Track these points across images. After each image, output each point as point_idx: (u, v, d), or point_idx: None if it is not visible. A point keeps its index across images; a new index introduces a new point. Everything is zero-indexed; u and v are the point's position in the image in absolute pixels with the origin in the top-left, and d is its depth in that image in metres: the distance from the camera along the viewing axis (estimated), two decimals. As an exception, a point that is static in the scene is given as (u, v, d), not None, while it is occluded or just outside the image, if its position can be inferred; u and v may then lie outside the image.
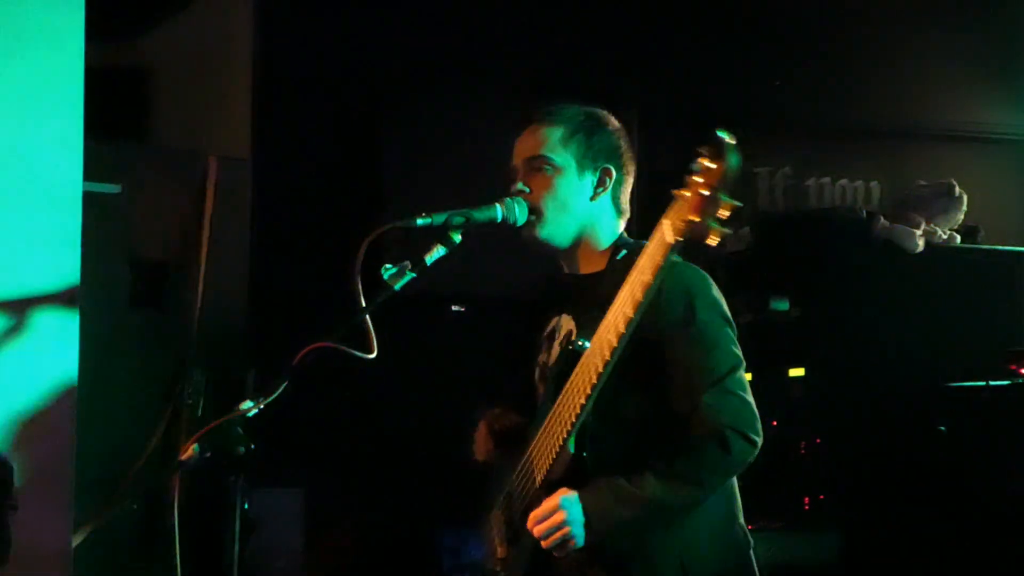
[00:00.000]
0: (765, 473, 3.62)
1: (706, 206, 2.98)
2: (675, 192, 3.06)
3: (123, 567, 5.68)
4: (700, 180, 2.98)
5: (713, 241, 3.02)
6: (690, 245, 3.09)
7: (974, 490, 6.05)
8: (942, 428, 6.15)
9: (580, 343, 3.44)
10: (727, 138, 2.97)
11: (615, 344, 3.26)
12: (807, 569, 6.04)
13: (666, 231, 3.10)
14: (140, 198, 5.99)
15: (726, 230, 3.01)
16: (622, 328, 3.24)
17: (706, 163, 2.97)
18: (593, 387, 3.32)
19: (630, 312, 3.22)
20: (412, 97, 6.93)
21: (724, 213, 2.99)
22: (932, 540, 6.11)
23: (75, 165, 4.30)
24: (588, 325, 3.51)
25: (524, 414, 3.78)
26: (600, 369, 3.29)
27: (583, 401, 3.35)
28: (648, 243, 3.18)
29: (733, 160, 2.97)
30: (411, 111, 6.92)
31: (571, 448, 3.42)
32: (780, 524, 6.19)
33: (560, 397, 3.44)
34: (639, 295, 3.20)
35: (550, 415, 3.49)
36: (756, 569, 3.62)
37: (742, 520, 3.62)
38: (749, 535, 3.63)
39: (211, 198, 6.17)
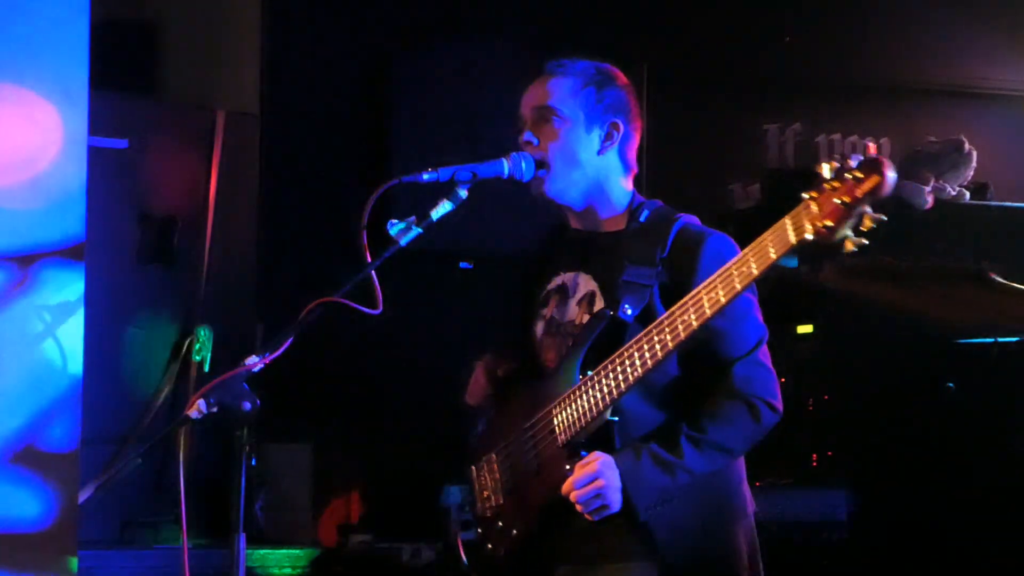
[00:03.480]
0: (774, 430, 3.64)
1: (846, 214, 2.93)
2: (805, 195, 3.01)
3: (130, 522, 5.70)
4: (841, 187, 2.93)
5: (848, 248, 2.96)
6: (815, 247, 3.03)
7: (982, 446, 6.05)
8: (950, 384, 6.15)
9: (626, 310, 3.45)
10: (880, 154, 2.94)
11: (694, 327, 3.24)
12: (815, 525, 6.05)
13: (789, 230, 3.04)
14: (149, 153, 6.00)
15: (864, 241, 2.95)
16: (708, 312, 3.21)
17: (856, 174, 2.91)
18: (657, 362, 3.31)
19: (723, 299, 3.19)
20: (421, 52, 6.92)
21: (867, 224, 2.93)
22: (939, 496, 6.12)
23: (80, 119, 4.29)
24: (614, 288, 3.52)
25: (518, 363, 3.78)
26: (669, 346, 3.27)
27: (639, 374, 3.34)
28: (764, 237, 3.12)
29: (891, 177, 2.92)
30: (420, 66, 6.90)
31: (608, 415, 3.43)
32: (788, 480, 6.21)
33: (606, 365, 3.41)
34: (737, 285, 3.17)
35: (586, 380, 3.46)
36: (755, 533, 3.65)
37: (746, 483, 3.66)
38: (752, 496, 3.66)
39: (219, 153, 6.17)
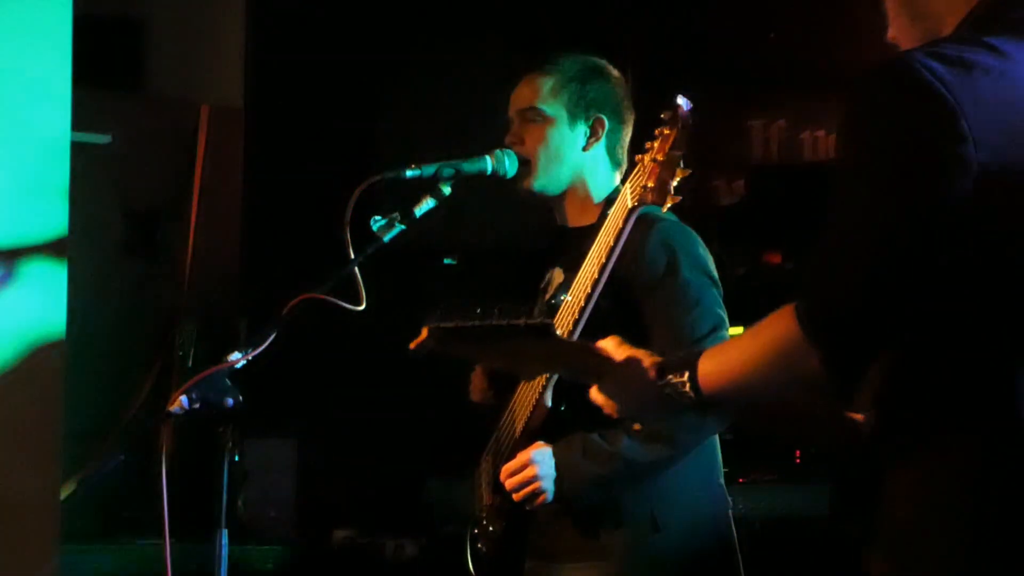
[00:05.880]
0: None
1: (661, 172, 3.01)
2: (636, 157, 3.09)
3: (111, 518, 5.69)
4: (656, 146, 3.00)
5: (665, 207, 3.05)
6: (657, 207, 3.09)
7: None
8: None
9: (560, 298, 3.45)
10: (682, 103, 2.98)
11: (582, 304, 3.28)
12: (798, 521, 6.05)
13: (627, 195, 3.12)
14: (132, 148, 5.98)
15: (677, 197, 3.03)
16: (588, 288, 3.26)
17: (664, 130, 2.99)
18: None
19: (595, 273, 3.24)
20: (406, 47, 6.91)
21: (675, 180, 3.01)
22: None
23: (63, 114, 4.27)
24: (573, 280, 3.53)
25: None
26: (569, 327, 3.30)
27: None
28: (613, 206, 3.20)
29: (686, 127, 2.98)
30: (405, 61, 6.90)
31: (547, 401, 3.43)
32: (772, 477, 6.20)
33: None
34: (603, 257, 3.22)
35: None
36: (733, 529, 3.62)
37: (721, 479, 3.63)
38: (727, 495, 3.63)
39: (203, 147, 6.16)
